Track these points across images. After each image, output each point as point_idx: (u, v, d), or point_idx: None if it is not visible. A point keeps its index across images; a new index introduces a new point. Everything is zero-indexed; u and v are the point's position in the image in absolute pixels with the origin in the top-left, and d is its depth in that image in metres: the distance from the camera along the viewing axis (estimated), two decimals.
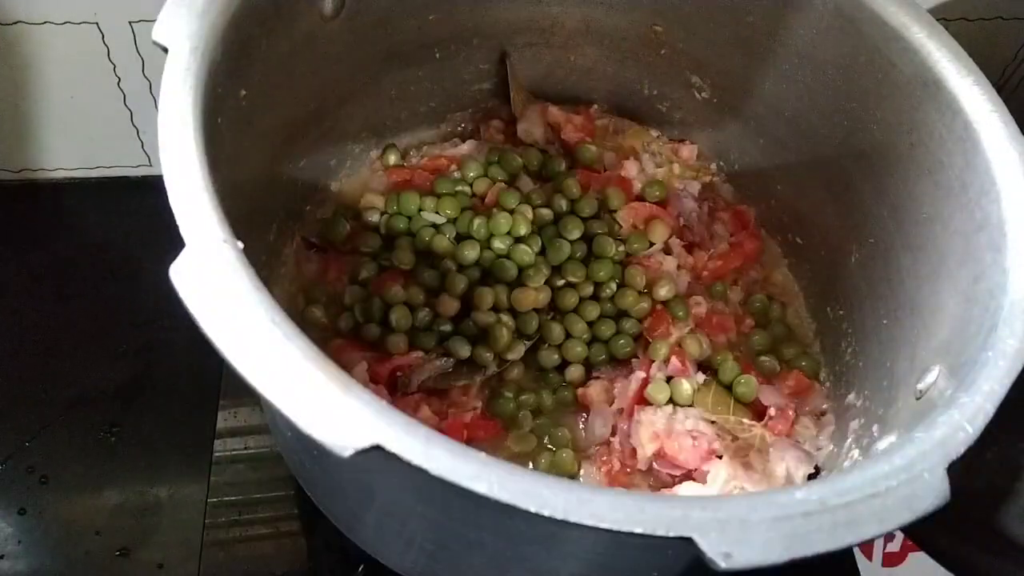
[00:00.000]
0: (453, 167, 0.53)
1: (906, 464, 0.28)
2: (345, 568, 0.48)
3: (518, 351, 0.47)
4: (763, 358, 0.50)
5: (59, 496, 0.50)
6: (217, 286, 0.27)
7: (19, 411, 0.53)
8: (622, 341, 0.49)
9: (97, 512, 0.50)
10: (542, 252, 0.50)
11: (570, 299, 0.49)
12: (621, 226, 0.52)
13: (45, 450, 0.52)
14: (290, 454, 0.44)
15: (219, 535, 0.48)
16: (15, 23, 0.52)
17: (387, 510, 0.38)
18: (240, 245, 0.28)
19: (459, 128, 0.56)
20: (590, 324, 0.49)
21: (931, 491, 0.27)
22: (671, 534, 0.25)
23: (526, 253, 0.49)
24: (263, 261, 0.45)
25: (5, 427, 0.52)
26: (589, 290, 0.50)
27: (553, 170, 0.54)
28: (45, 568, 0.48)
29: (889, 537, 0.51)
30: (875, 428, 0.41)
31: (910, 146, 0.41)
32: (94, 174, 0.63)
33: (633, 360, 0.48)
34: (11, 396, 0.54)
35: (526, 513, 0.24)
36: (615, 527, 0.24)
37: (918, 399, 0.36)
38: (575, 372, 0.48)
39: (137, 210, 0.60)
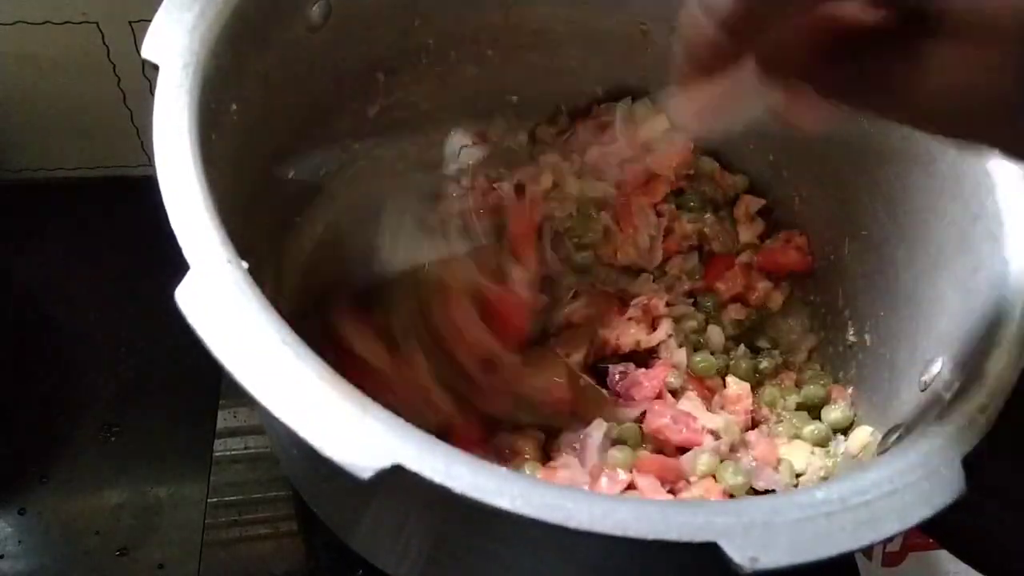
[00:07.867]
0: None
1: (922, 459, 0.28)
2: (345, 569, 0.48)
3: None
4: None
5: (59, 496, 0.50)
6: (225, 309, 0.26)
7: (20, 411, 0.53)
8: None
9: (97, 512, 0.50)
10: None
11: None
12: None
13: (45, 450, 0.51)
14: (290, 466, 0.44)
15: (219, 535, 0.48)
16: (15, 23, 0.52)
17: (395, 523, 0.37)
18: (245, 265, 0.28)
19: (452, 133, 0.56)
20: None
21: (948, 485, 0.27)
22: (696, 541, 0.24)
23: None
24: (270, 275, 0.45)
25: (5, 427, 0.52)
26: None
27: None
28: (45, 568, 0.48)
29: None
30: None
31: (902, 138, 0.42)
32: (94, 174, 0.63)
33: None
34: (11, 396, 0.53)
35: (550, 526, 0.24)
36: (640, 536, 0.24)
37: (923, 390, 0.36)
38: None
39: (137, 210, 0.60)
